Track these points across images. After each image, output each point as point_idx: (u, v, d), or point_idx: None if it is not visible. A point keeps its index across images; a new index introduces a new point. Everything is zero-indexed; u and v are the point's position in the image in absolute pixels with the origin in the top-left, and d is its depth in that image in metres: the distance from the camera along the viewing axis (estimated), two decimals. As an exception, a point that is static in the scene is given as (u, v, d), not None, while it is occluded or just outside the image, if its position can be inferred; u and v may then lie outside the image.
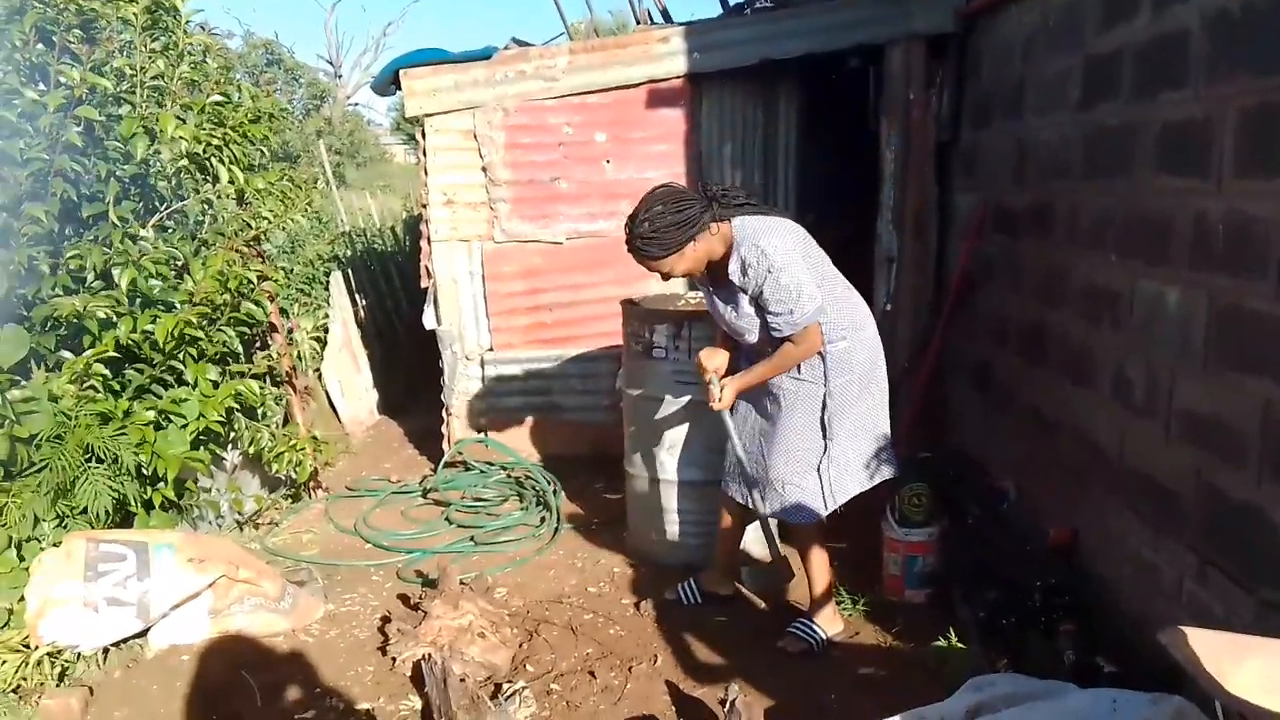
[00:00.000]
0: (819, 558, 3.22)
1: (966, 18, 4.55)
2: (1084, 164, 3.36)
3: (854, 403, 3.09)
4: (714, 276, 3.10)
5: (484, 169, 5.00)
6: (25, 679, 2.98)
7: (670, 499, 3.86)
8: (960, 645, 3.04)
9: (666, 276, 3.05)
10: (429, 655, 2.83)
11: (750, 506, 3.29)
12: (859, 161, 5.30)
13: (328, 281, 6.72)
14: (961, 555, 3.57)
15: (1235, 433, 2.41)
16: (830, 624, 3.24)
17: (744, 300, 3.02)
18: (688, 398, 3.71)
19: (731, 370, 3.19)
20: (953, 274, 4.63)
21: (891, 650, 3.17)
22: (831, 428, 3.07)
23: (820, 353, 3.02)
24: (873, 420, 3.16)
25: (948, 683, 2.56)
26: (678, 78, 4.87)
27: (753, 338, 3.10)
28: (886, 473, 3.20)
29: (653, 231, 2.93)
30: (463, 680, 2.81)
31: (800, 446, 3.09)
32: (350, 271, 7.05)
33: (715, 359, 3.16)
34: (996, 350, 4.22)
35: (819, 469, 3.09)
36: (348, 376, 6.28)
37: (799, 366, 3.05)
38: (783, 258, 2.89)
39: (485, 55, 4.92)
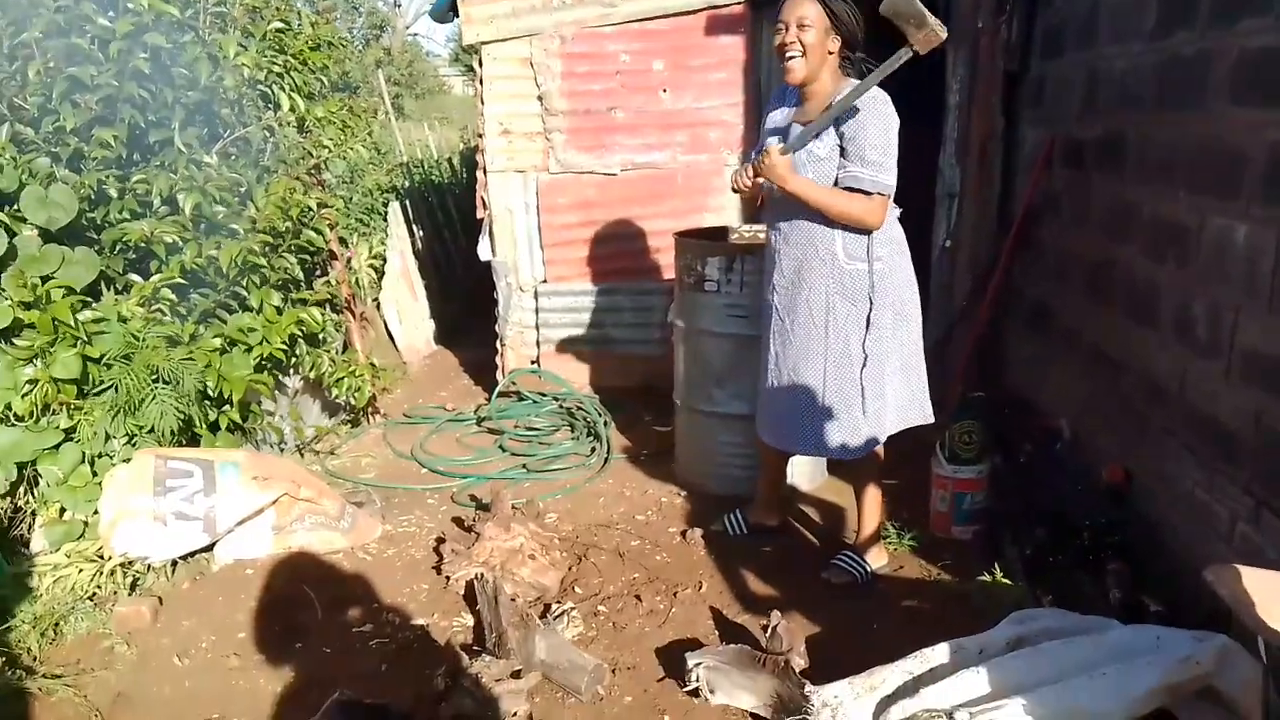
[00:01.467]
0: (873, 493, 3.22)
1: (1040, -59, 4.37)
2: (1156, 95, 3.24)
3: (890, 333, 3.02)
4: (803, 109, 3.03)
5: (540, 98, 4.98)
6: (100, 587, 3.14)
7: (719, 431, 3.89)
8: (1005, 581, 3.04)
9: (789, 38, 2.89)
10: (481, 575, 2.92)
11: (784, 448, 3.29)
12: (923, 91, 5.16)
13: (386, 212, 6.79)
14: (1011, 494, 3.56)
15: (1299, 374, 2.35)
16: (876, 559, 3.26)
17: (824, 143, 2.92)
18: (738, 332, 3.71)
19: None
20: (1016, 210, 4.52)
21: (936, 585, 3.19)
22: (869, 355, 3.00)
23: (851, 273, 2.95)
24: (909, 355, 3.11)
25: (991, 618, 2.57)
26: (738, 4, 4.77)
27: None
28: (922, 416, 3.16)
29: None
30: (513, 599, 2.90)
31: (839, 378, 3.03)
32: (408, 202, 7.11)
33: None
34: (1058, 288, 4.13)
35: (860, 401, 3.03)
36: (405, 306, 6.38)
37: (833, 278, 2.97)
38: (895, 126, 2.89)
39: (544, -19, 4.86)
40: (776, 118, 3.15)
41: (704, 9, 4.77)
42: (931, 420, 3.19)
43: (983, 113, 4.69)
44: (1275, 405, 2.45)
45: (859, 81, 2.88)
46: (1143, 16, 3.32)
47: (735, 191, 3.10)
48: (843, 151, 2.91)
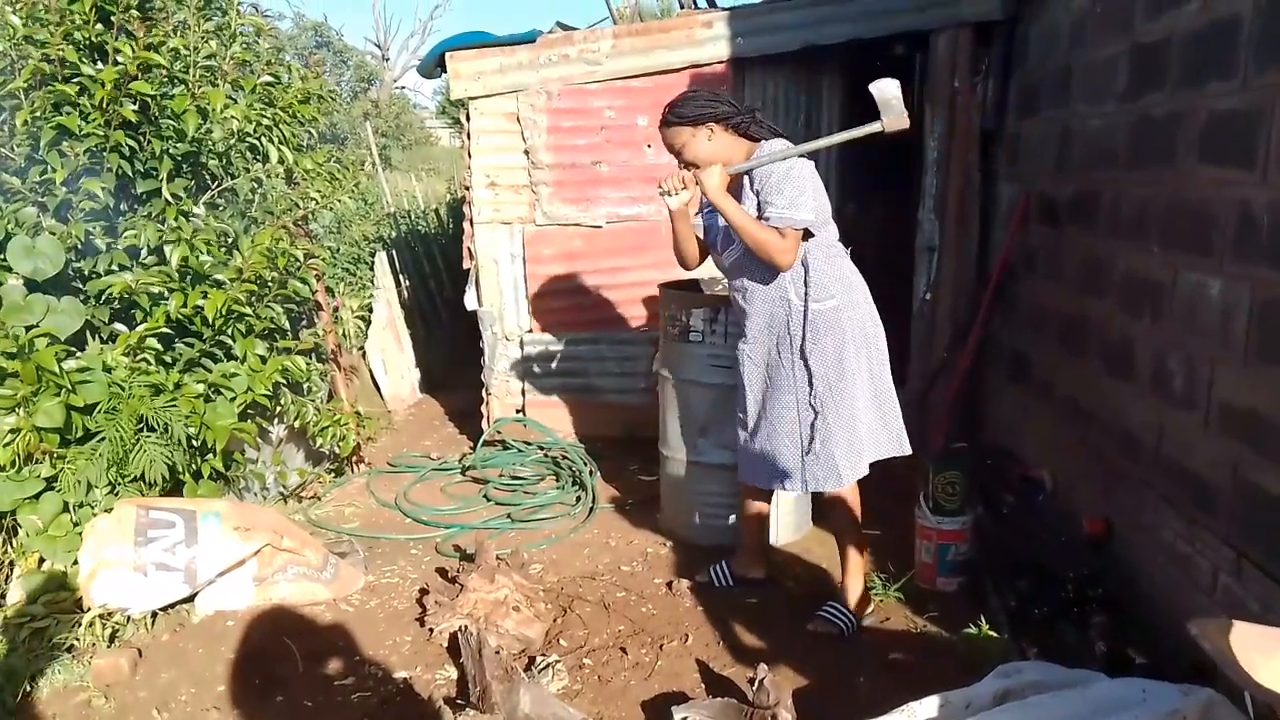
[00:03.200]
0: (855, 542, 3.23)
1: (1014, 4, 4.51)
2: (1129, 154, 3.33)
3: (851, 367, 3.07)
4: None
5: (526, 152, 5.05)
6: (78, 639, 3.10)
7: (703, 481, 3.90)
8: (991, 633, 3.04)
9: (682, 161, 3.10)
10: (465, 627, 2.89)
11: (769, 487, 3.32)
12: (902, 150, 5.27)
13: (373, 262, 6.83)
14: (995, 544, 3.57)
15: (1275, 427, 2.39)
16: (861, 609, 3.26)
17: (747, 204, 3.05)
18: (722, 382, 3.73)
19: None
20: (995, 263, 4.60)
21: (922, 636, 3.19)
22: (832, 389, 3.06)
23: (807, 315, 3.05)
24: (880, 388, 3.16)
25: (977, 670, 2.56)
26: (721, 62, 4.88)
27: (735, 254, 3.13)
28: (899, 446, 3.20)
29: (683, 101, 3.07)
30: (497, 652, 2.88)
31: (810, 411, 3.08)
32: (395, 252, 7.16)
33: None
34: (1036, 340, 4.20)
35: (832, 434, 3.07)
36: (391, 355, 6.39)
37: (791, 322, 3.08)
38: (799, 168, 2.99)
39: (530, 39, 4.96)
40: (709, 214, 3.28)
41: (686, 67, 4.87)
42: (908, 452, 3.22)
43: (960, 169, 4.79)
44: (1252, 457, 2.49)
45: (773, 140, 3.07)
46: (1114, 78, 3.43)
47: (662, 194, 3.12)
48: (759, 208, 3.04)
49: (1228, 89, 2.66)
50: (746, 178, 3.07)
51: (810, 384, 3.08)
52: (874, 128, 3.05)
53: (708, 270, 4.25)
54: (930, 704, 2.36)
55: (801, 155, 3.04)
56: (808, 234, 3.04)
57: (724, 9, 5.06)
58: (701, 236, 3.31)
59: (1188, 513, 2.81)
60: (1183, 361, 2.87)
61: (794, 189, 2.97)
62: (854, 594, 3.26)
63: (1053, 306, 4.00)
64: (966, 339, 4.68)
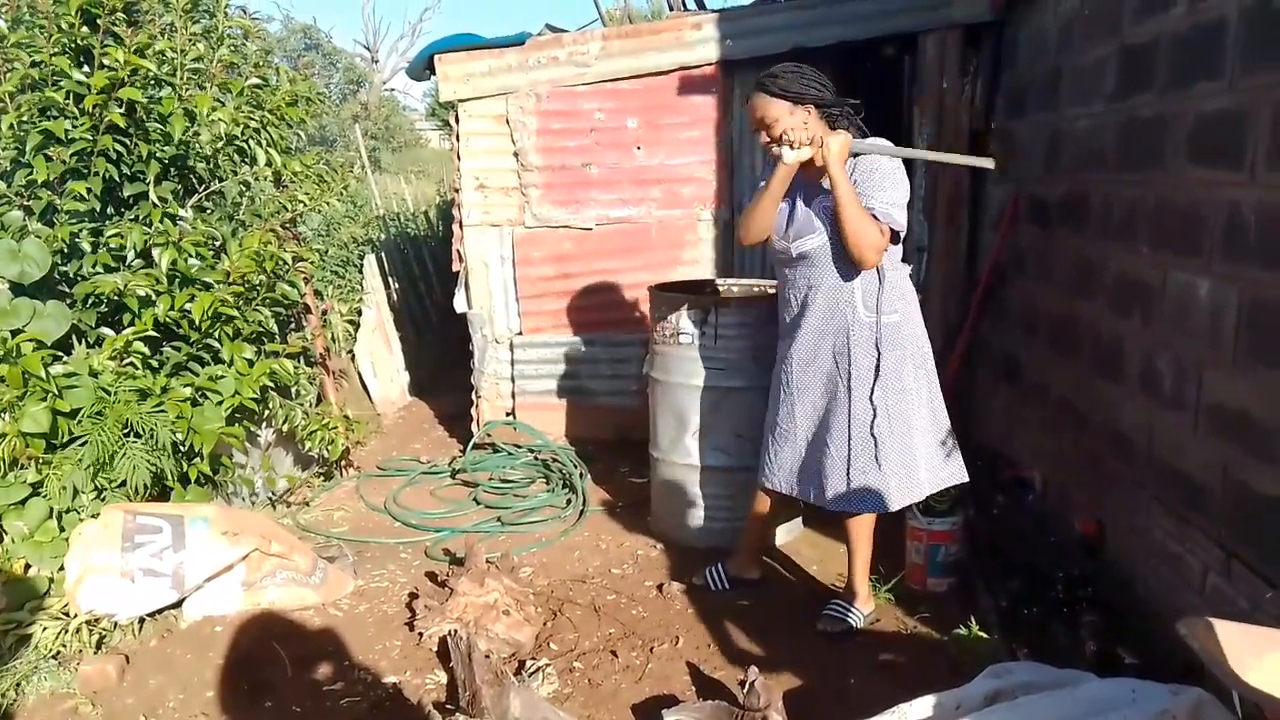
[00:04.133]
0: (866, 543, 3.22)
1: (1003, 6, 4.52)
2: (1118, 155, 3.34)
3: (911, 386, 3.07)
4: (806, 174, 3.07)
5: (516, 154, 5.04)
6: (65, 645, 3.07)
7: (694, 484, 3.89)
8: (982, 634, 3.05)
9: (767, 138, 3.03)
10: (454, 631, 2.88)
11: (805, 501, 3.26)
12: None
13: (362, 265, 6.81)
14: (985, 545, 3.58)
15: (1264, 427, 2.40)
16: (866, 604, 3.27)
17: (830, 198, 2.98)
18: (713, 384, 3.73)
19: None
20: (984, 265, 4.61)
21: (913, 637, 3.19)
22: (890, 410, 3.03)
23: (872, 326, 3.02)
24: (934, 408, 3.16)
25: (968, 671, 2.57)
26: (710, 64, 4.88)
27: (812, 243, 3.04)
28: (959, 473, 3.18)
29: (788, 73, 3.01)
30: (487, 656, 2.86)
31: (867, 431, 3.05)
32: (384, 255, 7.14)
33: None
34: (1026, 341, 4.20)
35: (886, 455, 3.04)
36: (380, 358, 6.37)
37: (856, 332, 3.03)
38: (903, 171, 2.99)
39: (519, 41, 4.95)
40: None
41: (676, 69, 4.87)
42: (966, 480, 3.20)
43: (949, 170, 4.79)
44: (1242, 457, 2.50)
45: (874, 138, 3.05)
46: (1102, 79, 3.43)
47: (783, 143, 2.96)
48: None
49: (1215, 90, 2.66)
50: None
51: (871, 403, 3.04)
52: (986, 163, 3.24)
53: (697, 273, 4.25)
54: (921, 705, 2.36)
55: (902, 158, 3.02)
56: (894, 240, 3.00)
57: (713, 11, 5.06)
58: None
59: (1178, 513, 2.81)
60: (1172, 362, 2.88)
61: (898, 190, 2.95)
62: (860, 592, 3.26)
63: (1043, 308, 4.00)
64: (957, 341, 4.68)
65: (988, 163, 3.11)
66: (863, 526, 3.20)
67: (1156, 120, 3.02)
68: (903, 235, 3.04)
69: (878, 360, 3.03)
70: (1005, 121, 4.59)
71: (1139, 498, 3.06)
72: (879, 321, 3.03)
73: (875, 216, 2.93)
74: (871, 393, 3.04)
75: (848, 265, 3.00)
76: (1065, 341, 3.73)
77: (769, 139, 3.05)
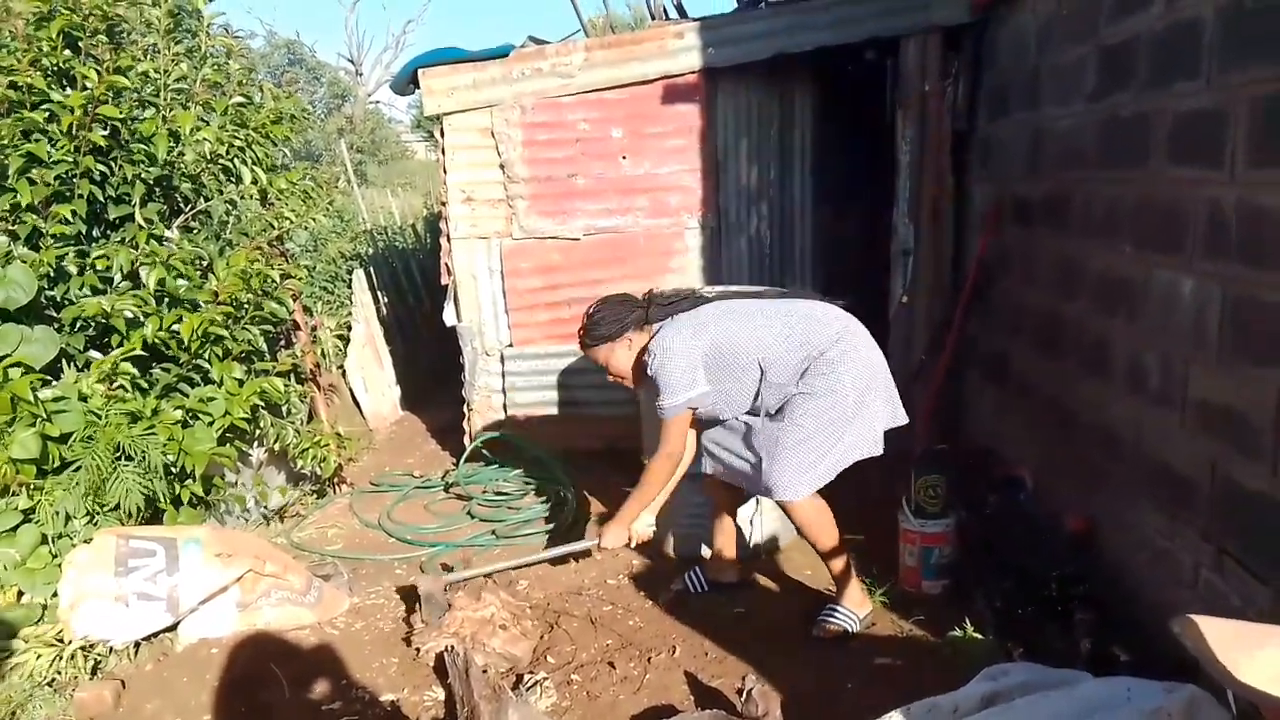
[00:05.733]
0: (827, 541, 3.21)
1: (982, 8, 4.54)
2: (1099, 154, 3.36)
3: (846, 406, 3.11)
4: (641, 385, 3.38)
5: (502, 166, 5.04)
6: (60, 672, 3.06)
7: (687, 492, 3.87)
8: (977, 635, 3.06)
9: (611, 377, 3.35)
10: (451, 647, 2.88)
11: (739, 486, 3.38)
12: (877, 154, 5.30)
13: (351, 279, 6.80)
14: (978, 546, 3.59)
15: (1250, 423, 2.41)
16: (860, 605, 3.27)
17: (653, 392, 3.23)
18: (705, 391, 3.74)
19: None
20: (970, 265, 4.63)
21: (908, 640, 3.19)
22: (818, 415, 3.09)
23: (788, 396, 3.14)
24: (858, 414, 3.17)
25: (964, 672, 2.57)
26: (693, 73, 4.89)
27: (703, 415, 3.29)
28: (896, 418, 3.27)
29: (594, 324, 3.28)
30: (485, 671, 2.86)
31: (795, 431, 3.11)
32: (372, 269, 7.14)
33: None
34: (1013, 341, 4.22)
35: (805, 449, 3.10)
36: (371, 373, 6.36)
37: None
38: (663, 354, 3.12)
39: (502, 54, 4.96)
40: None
41: (659, 78, 4.89)
42: (904, 420, 3.28)
43: (933, 172, 4.82)
44: (1230, 453, 2.51)
45: (661, 328, 3.25)
46: (1082, 79, 3.46)
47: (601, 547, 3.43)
48: None
49: (1193, 89, 2.69)
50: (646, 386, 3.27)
51: (790, 413, 3.12)
52: (587, 545, 3.53)
53: (689, 281, 4.25)
54: (917, 709, 2.37)
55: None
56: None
57: (695, 19, 5.08)
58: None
59: (1168, 509, 2.83)
60: (1158, 359, 2.90)
61: (665, 379, 3.11)
62: (848, 591, 3.27)
63: (1029, 307, 4.02)
64: (944, 341, 4.70)
65: (589, 543, 3.53)
66: (812, 519, 3.18)
67: (1136, 119, 3.04)
68: (702, 396, 3.16)
69: (800, 394, 3.14)
70: (988, 122, 4.62)
71: (1129, 495, 3.08)
72: (790, 394, 3.14)
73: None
74: (792, 411, 3.13)
75: (739, 402, 3.22)
76: (1052, 340, 3.75)
77: (613, 378, 3.36)
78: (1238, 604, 2.44)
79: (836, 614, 3.24)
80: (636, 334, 3.26)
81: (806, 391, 3.10)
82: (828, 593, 3.49)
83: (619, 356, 3.26)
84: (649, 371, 3.16)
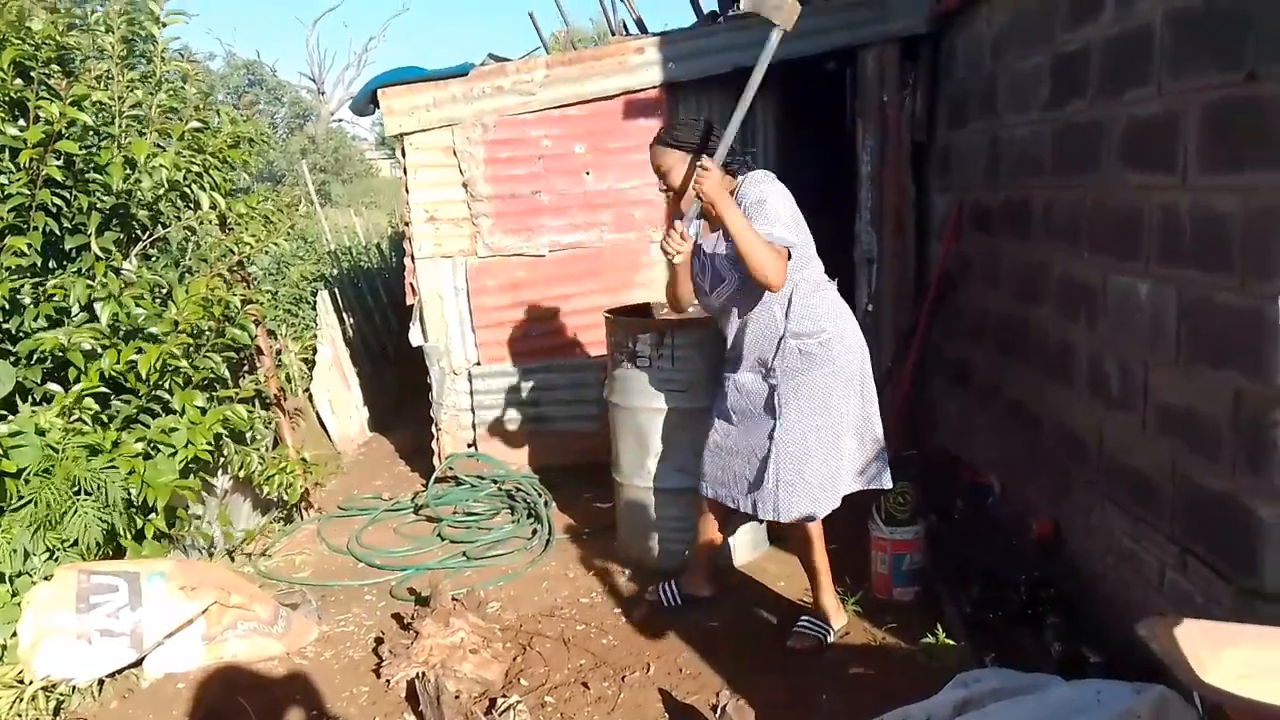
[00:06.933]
0: (818, 555, 3.24)
1: (938, 18, 4.59)
2: (1055, 161, 3.40)
3: (839, 402, 3.11)
4: (705, 223, 3.22)
5: (465, 184, 5.03)
6: (20, 714, 2.98)
7: (658, 506, 3.89)
8: (949, 641, 3.07)
9: (667, 187, 3.24)
10: (422, 674, 2.84)
11: (740, 510, 3.31)
12: (840, 164, 5.34)
13: (315, 301, 6.74)
14: (948, 551, 3.61)
15: (1208, 424, 2.45)
16: (836, 617, 3.28)
17: (724, 244, 3.10)
18: (672, 406, 3.74)
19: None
20: (933, 273, 4.66)
21: (882, 648, 3.20)
22: (819, 422, 3.09)
23: (799, 348, 3.08)
24: (863, 421, 3.19)
25: (937, 679, 2.58)
26: (654, 87, 4.90)
27: (728, 290, 3.15)
28: (881, 479, 3.22)
29: (680, 126, 3.25)
30: (457, 697, 2.83)
31: (793, 445, 3.09)
32: (337, 290, 7.07)
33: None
34: (977, 347, 4.26)
35: (810, 466, 3.09)
36: (337, 395, 6.30)
37: (783, 355, 3.09)
38: (775, 195, 3.05)
39: (462, 72, 4.95)
40: (691, 229, 3.25)
41: (620, 94, 4.89)
42: (889, 486, 3.25)
43: (894, 181, 4.86)
44: (1190, 454, 2.55)
45: (751, 174, 3.14)
46: (1038, 88, 3.50)
47: (666, 254, 3.10)
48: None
49: (1146, 96, 2.73)
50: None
51: (796, 416, 3.10)
52: (775, 35, 3.12)
53: (652, 295, 4.25)
54: (892, 719, 2.37)
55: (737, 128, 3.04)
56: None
57: (655, 35, 5.09)
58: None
59: (1132, 511, 2.86)
60: (1118, 363, 2.93)
61: (780, 211, 3.01)
62: (826, 604, 3.28)
63: (992, 313, 4.06)
64: (910, 349, 4.73)
65: (775, 34, 3.10)
66: (807, 536, 3.21)
67: (1091, 126, 3.09)
68: (804, 252, 3.09)
69: (804, 379, 3.10)
70: (947, 131, 4.67)
71: (1093, 497, 3.10)
72: (803, 343, 3.10)
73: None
74: (799, 409, 3.10)
75: (762, 297, 3.10)
76: (1015, 346, 3.78)
77: (665, 187, 3.26)
78: (1202, 603, 2.47)
79: (812, 625, 3.24)
80: (708, 160, 3.04)
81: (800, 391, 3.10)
82: (800, 603, 3.50)
83: (678, 170, 3.17)
84: (752, 199, 3.01)
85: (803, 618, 3.29)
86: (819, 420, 3.09)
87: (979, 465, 4.19)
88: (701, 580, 3.59)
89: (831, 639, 3.22)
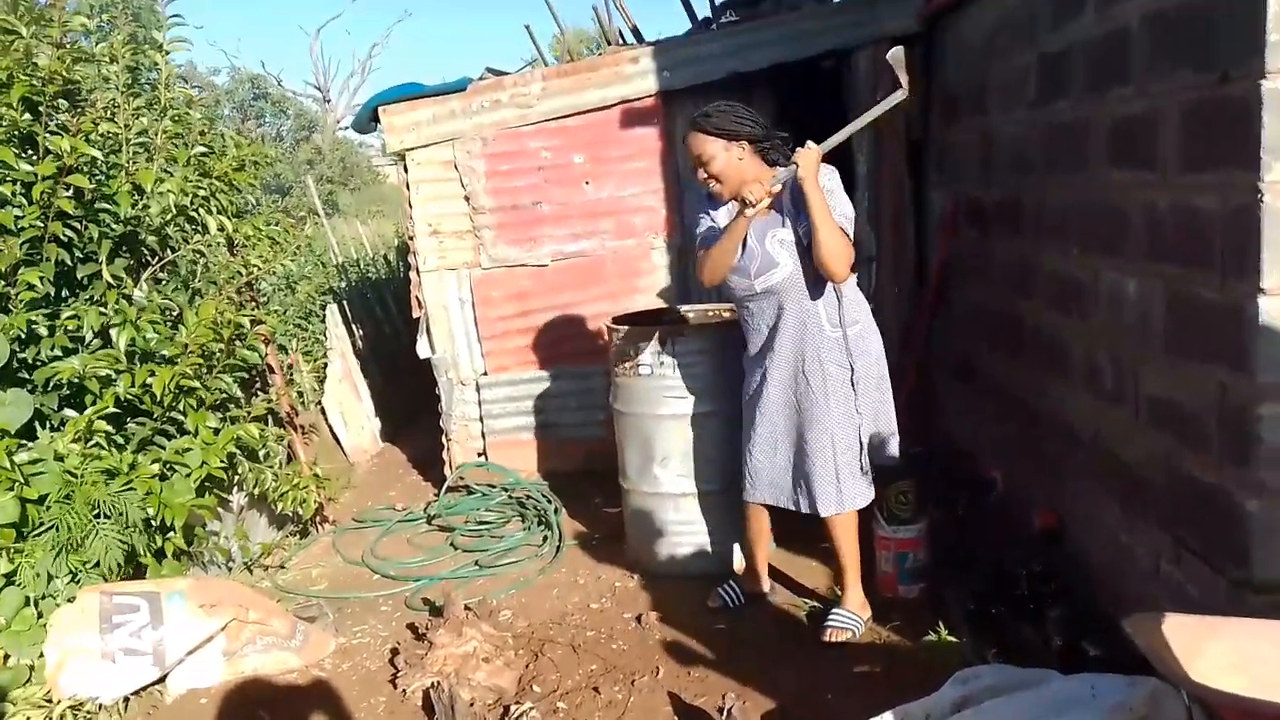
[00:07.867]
0: (854, 546, 3.34)
1: (928, 18, 4.63)
2: (1045, 159, 3.44)
3: (872, 390, 3.26)
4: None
5: (466, 198, 5.10)
6: (49, 732, 3.08)
7: (665, 511, 3.94)
8: (952, 638, 3.12)
9: (705, 174, 3.16)
10: (436, 684, 2.91)
11: (796, 509, 3.37)
12: (837, 162, 5.36)
13: (325, 314, 6.82)
14: (951, 547, 3.65)
15: (1196, 418, 2.49)
16: (863, 609, 3.37)
17: (788, 228, 3.15)
18: (678, 411, 3.79)
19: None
20: (932, 270, 4.71)
21: (886, 647, 3.25)
22: (861, 414, 3.22)
23: (848, 337, 3.19)
24: (887, 410, 3.36)
25: (941, 676, 2.61)
26: (649, 96, 4.96)
27: (777, 276, 3.15)
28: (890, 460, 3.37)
29: (721, 111, 3.14)
30: (471, 705, 2.91)
31: (846, 437, 3.22)
32: (346, 302, 7.15)
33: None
34: (977, 342, 4.30)
35: (865, 453, 3.26)
36: (349, 407, 6.38)
37: (833, 346, 3.18)
38: (840, 187, 3.15)
39: (460, 87, 5.02)
40: (720, 216, 3.31)
41: (617, 103, 4.95)
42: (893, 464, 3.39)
43: (891, 180, 4.90)
44: (1180, 447, 2.59)
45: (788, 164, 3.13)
46: (1024, 87, 3.55)
47: (743, 201, 3.03)
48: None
49: (1127, 95, 2.77)
50: (786, 199, 3.15)
51: (856, 410, 3.22)
52: (899, 96, 3.22)
53: (655, 301, 4.30)
54: (891, 718, 2.42)
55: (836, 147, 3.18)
56: None
57: (650, 44, 5.15)
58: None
59: (1127, 504, 2.90)
60: (1110, 358, 2.98)
61: (847, 203, 3.12)
62: (856, 596, 3.37)
63: (990, 309, 4.10)
64: (911, 345, 4.77)
65: (900, 95, 3.20)
66: (850, 528, 3.32)
67: (1077, 125, 3.13)
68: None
69: (852, 370, 3.20)
70: (941, 129, 4.70)
71: (1091, 491, 3.15)
72: (845, 334, 3.20)
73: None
74: (856, 400, 3.21)
75: (813, 287, 3.16)
76: (1012, 341, 3.83)
77: (706, 175, 3.17)
78: (1195, 595, 2.51)
79: (846, 618, 3.31)
80: (748, 147, 3.13)
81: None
82: (805, 603, 3.55)
83: (721, 158, 3.11)
84: (825, 183, 3.06)
85: (834, 610, 3.35)
86: (864, 406, 3.22)
87: (983, 460, 4.23)
88: (759, 578, 3.66)
89: (861, 631, 3.29)
